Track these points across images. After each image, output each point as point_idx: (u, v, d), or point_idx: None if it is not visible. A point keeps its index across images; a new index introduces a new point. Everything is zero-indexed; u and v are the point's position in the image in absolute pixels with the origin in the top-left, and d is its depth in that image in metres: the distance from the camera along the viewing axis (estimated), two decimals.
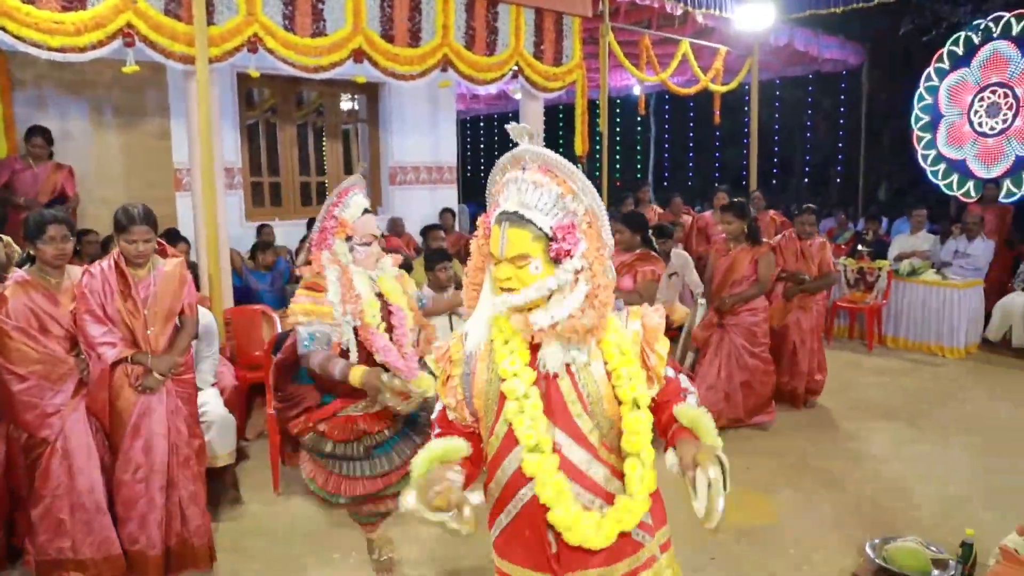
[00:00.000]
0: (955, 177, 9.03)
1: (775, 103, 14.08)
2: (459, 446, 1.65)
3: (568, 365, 1.60)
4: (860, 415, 5.34)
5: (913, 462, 4.45)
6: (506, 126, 1.67)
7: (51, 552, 2.98)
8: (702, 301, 5.28)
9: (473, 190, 14.86)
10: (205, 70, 4.77)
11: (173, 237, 5.39)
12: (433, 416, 1.78)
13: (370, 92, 7.91)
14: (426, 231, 6.39)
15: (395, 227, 7.51)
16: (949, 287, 6.93)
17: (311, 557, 3.45)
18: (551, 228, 1.54)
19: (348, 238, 2.89)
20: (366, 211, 2.94)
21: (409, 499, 1.53)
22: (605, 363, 1.62)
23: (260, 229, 6.86)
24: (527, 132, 1.60)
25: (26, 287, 2.95)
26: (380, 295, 2.97)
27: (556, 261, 1.55)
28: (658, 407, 1.66)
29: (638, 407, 1.60)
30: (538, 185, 1.55)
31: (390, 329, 2.94)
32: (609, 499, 1.63)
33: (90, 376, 2.97)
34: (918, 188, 10.96)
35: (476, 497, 1.59)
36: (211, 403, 3.89)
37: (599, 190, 7.73)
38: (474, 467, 1.70)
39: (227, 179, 6.52)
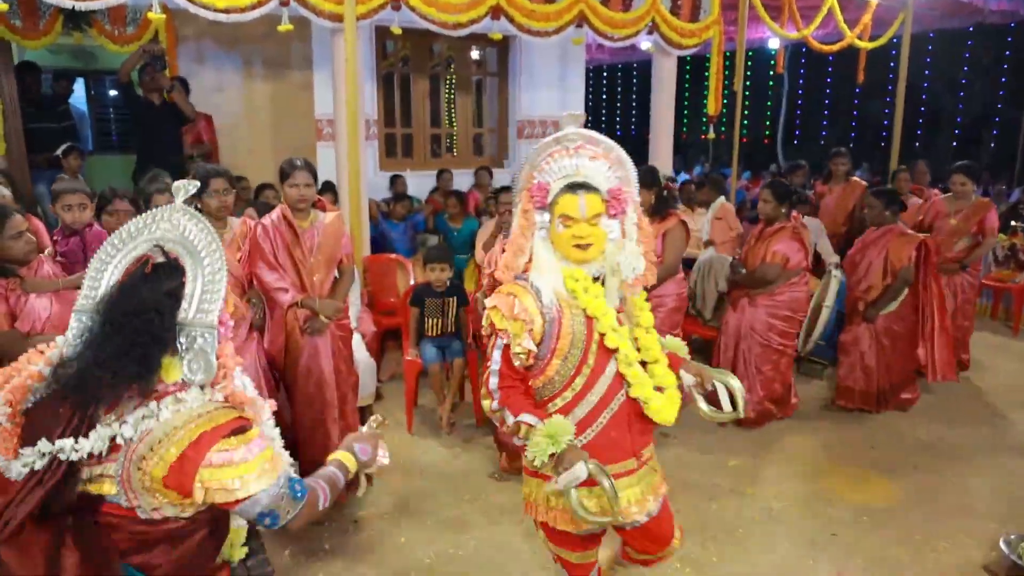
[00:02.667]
0: None
1: (926, 58, 12.99)
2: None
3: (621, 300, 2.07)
4: (1000, 401, 5.06)
5: None
6: (560, 118, 2.08)
7: None
8: (835, 272, 5.11)
9: None
10: (353, 28, 4.97)
11: (324, 188, 5.73)
12: (494, 368, 1.99)
13: (501, 46, 7.95)
14: None
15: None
16: None
17: (443, 495, 3.71)
18: (607, 192, 2.01)
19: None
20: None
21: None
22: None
23: (393, 180, 7.14)
24: (577, 120, 2.04)
25: None
26: None
27: (612, 218, 2.02)
28: None
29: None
30: (593, 158, 2.02)
31: None
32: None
33: (271, 320, 3.28)
34: None
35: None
36: (355, 348, 4.16)
37: (731, 149, 7.38)
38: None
39: (364, 130, 6.79)
